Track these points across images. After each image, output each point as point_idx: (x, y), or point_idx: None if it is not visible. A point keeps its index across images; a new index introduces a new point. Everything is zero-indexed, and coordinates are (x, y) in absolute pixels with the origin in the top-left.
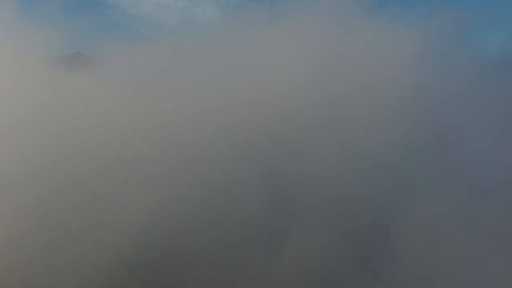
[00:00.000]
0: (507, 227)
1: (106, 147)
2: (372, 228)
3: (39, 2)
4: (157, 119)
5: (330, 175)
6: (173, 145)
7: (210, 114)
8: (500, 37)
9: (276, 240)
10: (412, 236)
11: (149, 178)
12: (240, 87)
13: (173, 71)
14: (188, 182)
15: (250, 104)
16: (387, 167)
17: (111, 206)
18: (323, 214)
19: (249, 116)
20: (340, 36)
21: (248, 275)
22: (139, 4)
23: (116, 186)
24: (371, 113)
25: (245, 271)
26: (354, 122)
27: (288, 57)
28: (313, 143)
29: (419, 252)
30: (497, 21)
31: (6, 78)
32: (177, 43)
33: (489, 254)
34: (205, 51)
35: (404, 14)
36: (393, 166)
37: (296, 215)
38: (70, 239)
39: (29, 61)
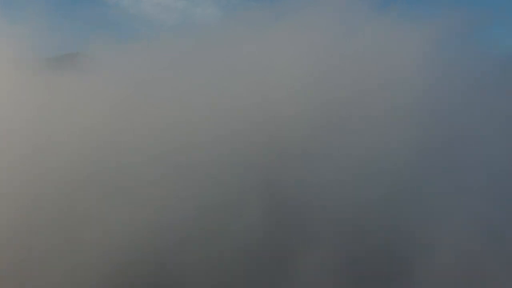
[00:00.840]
0: None
1: (103, 150)
2: (386, 248)
3: (40, 2)
4: (155, 122)
5: (337, 184)
6: (171, 150)
7: (209, 120)
8: None
9: (279, 259)
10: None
11: (144, 186)
12: (240, 90)
13: (170, 74)
14: (184, 191)
15: (250, 108)
16: (399, 175)
17: (98, 215)
18: (330, 229)
19: (250, 120)
20: (346, 35)
21: None
22: (139, 4)
23: (106, 193)
24: (379, 116)
25: None
26: (361, 126)
27: (291, 58)
28: (319, 150)
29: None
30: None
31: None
32: (176, 43)
33: None
34: (205, 52)
35: (413, 12)
36: (406, 174)
37: (300, 229)
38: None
39: (27, 61)
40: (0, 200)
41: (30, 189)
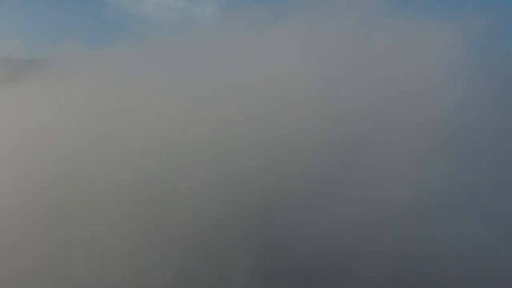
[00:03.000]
0: None
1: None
2: None
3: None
4: (149, 128)
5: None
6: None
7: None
8: None
9: None
10: None
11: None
12: (233, 106)
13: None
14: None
15: (246, 125)
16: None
17: None
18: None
19: (246, 138)
20: (360, 36)
21: None
22: (139, 4)
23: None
24: (400, 140)
25: None
26: (379, 149)
27: (296, 66)
28: (326, 184)
29: None
30: None
31: None
32: (173, 45)
33: None
34: (198, 57)
35: (436, 10)
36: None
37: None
38: None
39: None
40: None
41: None
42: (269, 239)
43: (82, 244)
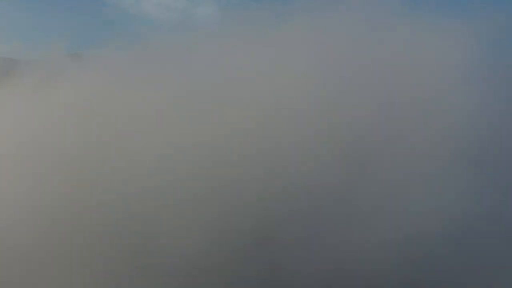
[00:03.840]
0: None
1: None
2: None
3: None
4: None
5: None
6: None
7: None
8: None
9: None
10: None
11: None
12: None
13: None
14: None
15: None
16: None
17: None
18: None
19: (245, 147)
20: (368, 38)
21: None
22: (139, 4)
23: None
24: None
25: None
26: (389, 164)
27: (302, 70)
28: (329, 205)
29: None
30: None
31: None
32: (173, 46)
33: None
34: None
35: (448, 9)
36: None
37: None
38: None
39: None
40: None
41: None
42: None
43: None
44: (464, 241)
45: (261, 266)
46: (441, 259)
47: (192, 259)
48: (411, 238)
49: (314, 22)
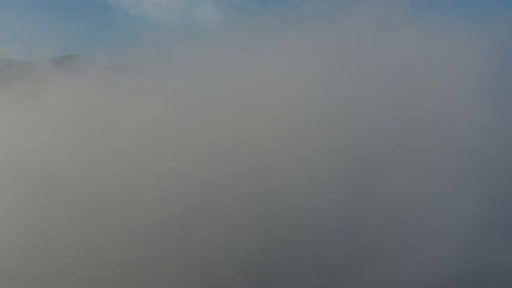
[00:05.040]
0: None
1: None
2: None
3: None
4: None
5: None
6: None
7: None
8: None
9: None
10: None
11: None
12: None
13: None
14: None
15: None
16: None
17: None
18: None
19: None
20: (377, 44)
21: None
22: (140, 5)
23: None
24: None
25: None
26: (400, 181)
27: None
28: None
29: None
30: None
31: None
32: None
33: None
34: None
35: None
36: None
37: None
38: None
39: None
40: None
41: None
42: None
43: None
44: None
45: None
46: None
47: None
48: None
49: (324, 30)
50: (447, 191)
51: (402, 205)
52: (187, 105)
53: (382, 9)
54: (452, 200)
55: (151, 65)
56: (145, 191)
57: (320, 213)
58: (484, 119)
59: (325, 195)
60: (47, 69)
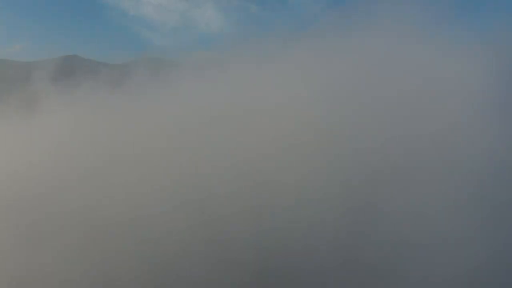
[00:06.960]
0: None
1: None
2: None
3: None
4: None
5: None
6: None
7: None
8: None
9: None
10: None
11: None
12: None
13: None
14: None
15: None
16: None
17: None
18: None
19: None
20: (393, 62)
21: None
22: (139, 6)
23: None
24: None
25: None
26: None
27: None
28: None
29: None
30: None
31: None
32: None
33: None
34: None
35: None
36: None
37: None
38: None
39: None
40: None
41: None
42: None
43: None
44: None
45: None
46: None
47: None
48: None
49: (332, 46)
50: (449, 211)
51: (402, 224)
52: (188, 122)
53: (391, 28)
54: (453, 220)
55: (154, 83)
56: (145, 203)
57: (319, 233)
58: (490, 138)
59: (326, 214)
60: (46, 86)
